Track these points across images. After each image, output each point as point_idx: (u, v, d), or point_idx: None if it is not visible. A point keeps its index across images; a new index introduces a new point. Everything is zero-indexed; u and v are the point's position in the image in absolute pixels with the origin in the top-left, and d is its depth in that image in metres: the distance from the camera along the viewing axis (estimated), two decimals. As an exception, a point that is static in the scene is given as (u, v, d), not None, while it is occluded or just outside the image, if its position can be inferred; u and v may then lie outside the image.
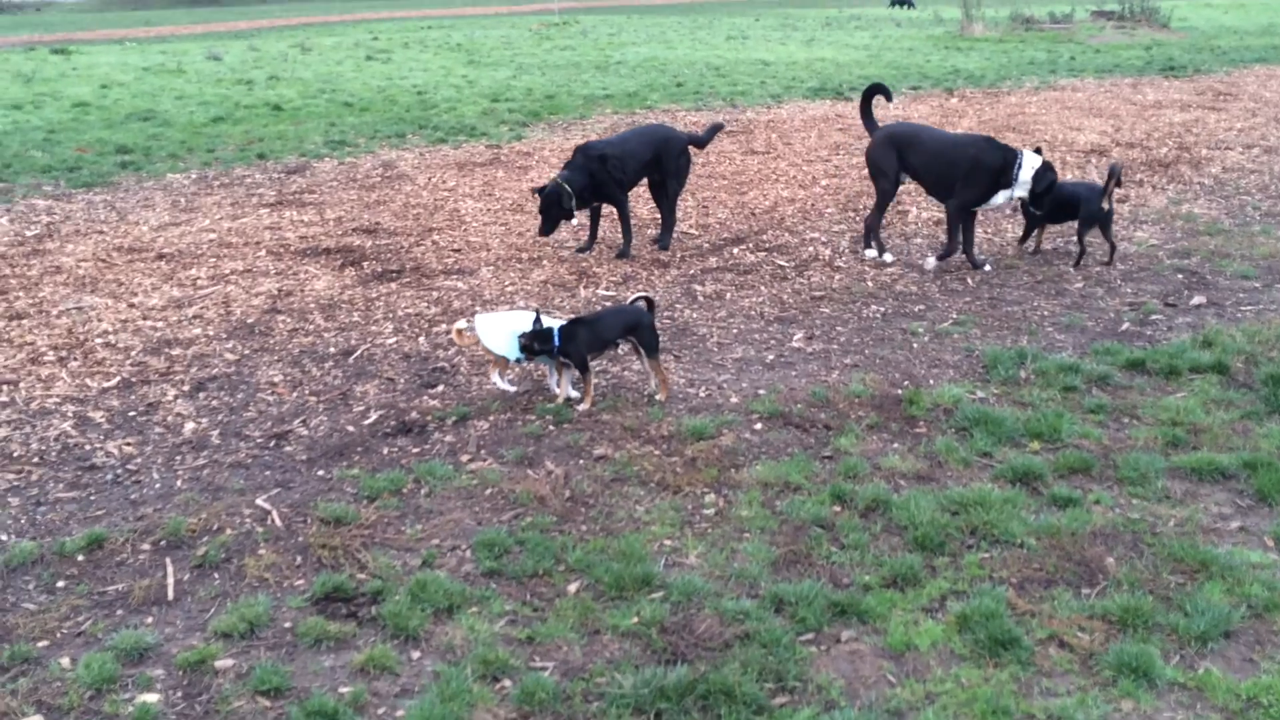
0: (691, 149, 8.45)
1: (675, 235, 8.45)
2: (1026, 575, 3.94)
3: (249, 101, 16.49)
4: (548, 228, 7.80)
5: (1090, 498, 4.47)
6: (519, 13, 48.15)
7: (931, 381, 5.73)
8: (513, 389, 5.58)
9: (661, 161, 8.16)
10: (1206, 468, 4.65)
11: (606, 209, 8.23)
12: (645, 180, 8.25)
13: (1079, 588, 3.87)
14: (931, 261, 7.76)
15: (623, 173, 7.93)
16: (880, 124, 8.02)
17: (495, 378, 5.58)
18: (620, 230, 8.15)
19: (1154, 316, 6.70)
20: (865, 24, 35.11)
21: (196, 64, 22.52)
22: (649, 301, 5.58)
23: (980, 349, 6.16)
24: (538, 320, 5.32)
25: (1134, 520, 4.27)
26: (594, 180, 7.80)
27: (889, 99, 8.50)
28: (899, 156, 7.68)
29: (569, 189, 7.66)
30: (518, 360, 5.46)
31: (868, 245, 8.07)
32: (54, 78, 19.80)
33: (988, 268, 7.67)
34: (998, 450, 4.91)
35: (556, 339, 5.33)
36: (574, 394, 5.52)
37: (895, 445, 5.02)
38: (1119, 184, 7.74)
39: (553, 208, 7.70)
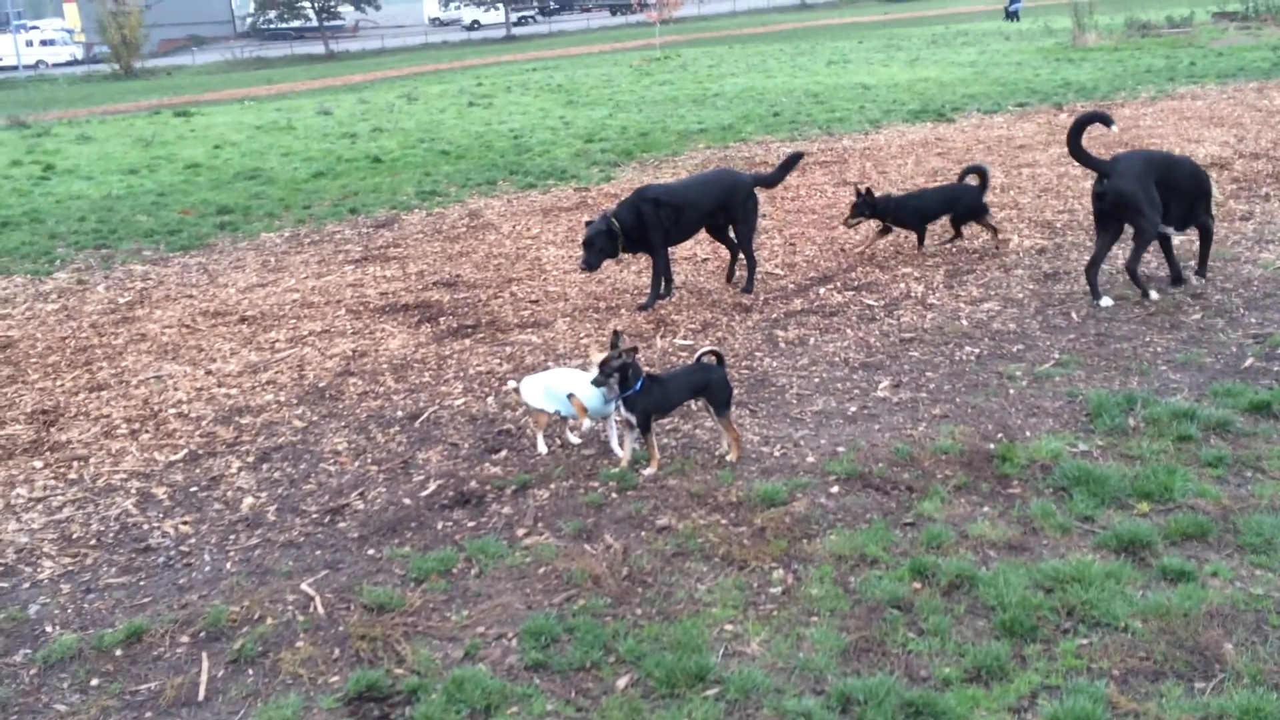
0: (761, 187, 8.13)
1: (759, 276, 8.11)
2: (1130, 666, 3.48)
3: (350, 155, 16.78)
4: (592, 262, 7.53)
5: (1206, 569, 3.97)
6: (622, 49, 48.49)
7: (1028, 433, 5.27)
8: (545, 449, 5.47)
9: (728, 209, 7.84)
10: (1344, 532, 4.10)
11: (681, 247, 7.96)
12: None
13: (1191, 681, 3.40)
14: (1196, 281, 7.40)
15: (673, 222, 7.61)
16: (1089, 152, 7.06)
17: (539, 440, 5.51)
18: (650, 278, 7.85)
19: (1282, 350, 6.08)
20: (972, 39, 34.16)
21: (307, 119, 23.13)
22: (718, 356, 5.27)
23: (1084, 393, 5.66)
24: (618, 340, 5.17)
25: (1257, 597, 3.77)
26: (641, 223, 7.50)
27: (1109, 125, 7.25)
28: (1158, 185, 6.95)
29: (617, 225, 7.42)
30: (556, 412, 5.39)
31: (1095, 295, 7.15)
32: (172, 140, 20.56)
33: (1155, 295, 7.16)
34: (1100, 513, 4.44)
35: (634, 388, 5.08)
36: (621, 453, 5.31)
37: (985, 509, 4.58)
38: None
39: (597, 240, 7.44)
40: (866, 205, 8.49)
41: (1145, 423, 5.24)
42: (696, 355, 5.32)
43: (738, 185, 7.93)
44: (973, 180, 8.69)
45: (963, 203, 8.59)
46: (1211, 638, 3.57)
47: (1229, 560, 4.04)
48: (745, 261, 8.03)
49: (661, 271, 7.80)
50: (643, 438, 5.18)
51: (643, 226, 7.53)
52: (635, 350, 5.20)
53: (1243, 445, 4.94)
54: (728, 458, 5.20)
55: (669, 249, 7.87)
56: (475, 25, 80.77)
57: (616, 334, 5.25)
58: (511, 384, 5.58)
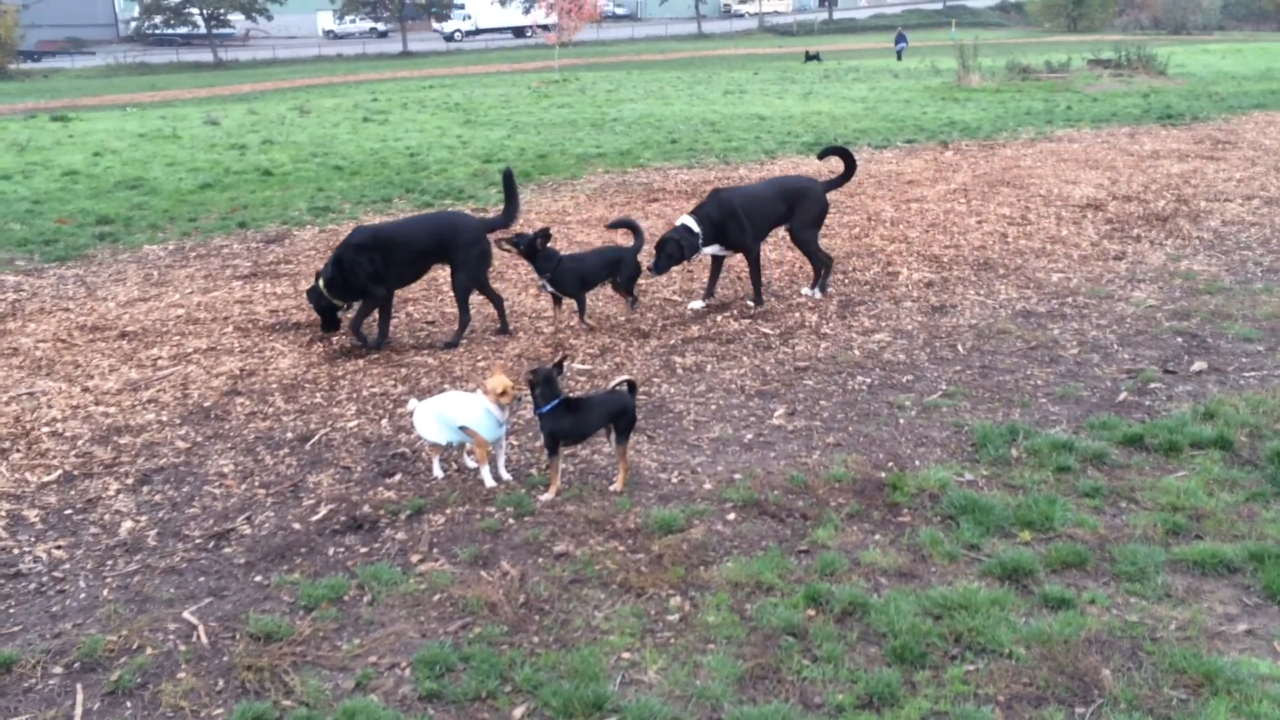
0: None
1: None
2: (1015, 692, 3.59)
3: (240, 167, 16.36)
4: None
5: (1085, 597, 4.12)
6: (520, 70, 48.46)
7: (917, 462, 5.41)
8: (440, 473, 5.42)
9: (447, 251, 7.48)
10: (1210, 560, 4.30)
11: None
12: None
13: (1072, 706, 3.51)
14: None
15: (384, 264, 7.35)
16: (814, 179, 7.90)
17: (434, 463, 5.46)
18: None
19: (1153, 385, 6.37)
20: (863, 76, 35.16)
21: (193, 129, 22.48)
22: (631, 385, 5.26)
23: (970, 424, 5.84)
24: (560, 367, 5.23)
25: (1132, 624, 3.92)
26: (343, 270, 7.30)
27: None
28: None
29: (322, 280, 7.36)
30: (448, 444, 5.36)
31: None
32: (48, 146, 19.75)
33: None
34: (985, 542, 4.57)
35: (548, 405, 5.06)
36: (506, 477, 5.32)
37: (876, 537, 4.68)
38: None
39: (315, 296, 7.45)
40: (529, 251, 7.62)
41: (1027, 453, 5.43)
42: (612, 385, 5.31)
43: (459, 228, 7.59)
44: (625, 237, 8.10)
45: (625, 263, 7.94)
46: (1090, 664, 3.70)
47: (1106, 588, 4.20)
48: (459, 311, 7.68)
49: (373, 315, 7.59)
50: (550, 462, 5.15)
51: (349, 273, 7.29)
52: (559, 367, 5.21)
53: (1118, 476, 5.16)
54: (612, 488, 5.18)
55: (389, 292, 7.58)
56: (456, 35, 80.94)
57: (564, 357, 5.46)
58: (411, 403, 5.49)
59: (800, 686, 3.67)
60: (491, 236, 7.65)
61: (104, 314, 8.37)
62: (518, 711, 3.59)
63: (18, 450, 5.83)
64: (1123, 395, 6.24)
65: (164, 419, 6.25)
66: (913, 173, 14.20)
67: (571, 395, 5.24)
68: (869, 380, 6.63)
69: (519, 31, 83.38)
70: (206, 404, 6.45)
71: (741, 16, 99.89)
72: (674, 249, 7.83)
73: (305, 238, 11.10)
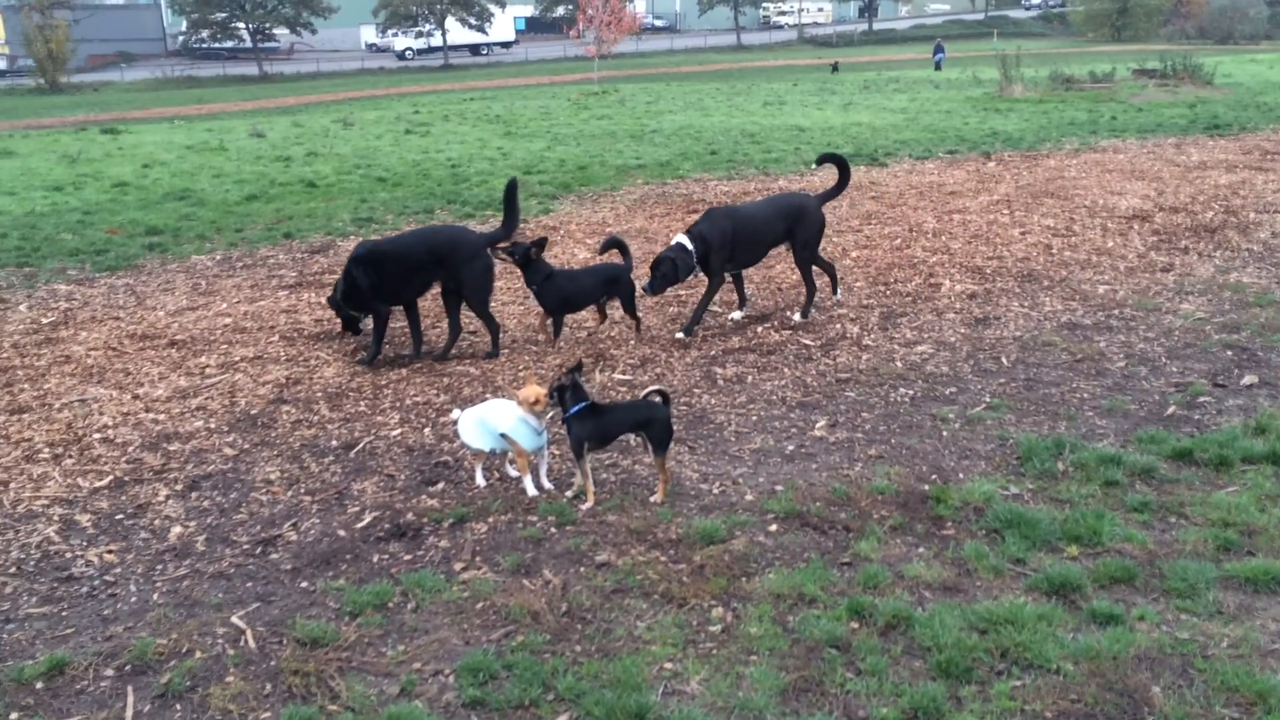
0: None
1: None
2: (1063, 708, 3.55)
3: (284, 179, 16.57)
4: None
5: (1134, 613, 4.07)
6: (560, 82, 48.75)
7: (961, 475, 5.36)
8: (483, 482, 5.45)
9: (446, 265, 7.38)
10: (1262, 577, 4.23)
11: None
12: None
13: (1121, 723, 3.47)
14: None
15: (389, 279, 7.35)
16: (809, 193, 7.60)
17: (477, 472, 5.48)
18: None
19: (1202, 398, 6.28)
20: (904, 86, 35.00)
21: (239, 141, 22.81)
22: (664, 396, 5.27)
23: (1014, 437, 5.79)
24: (577, 369, 5.26)
25: (1182, 641, 3.87)
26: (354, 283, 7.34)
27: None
28: None
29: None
30: (491, 451, 5.39)
31: None
32: (98, 158, 20.12)
33: None
34: (1032, 556, 4.53)
35: (574, 408, 5.13)
36: (548, 486, 5.37)
37: (920, 550, 4.65)
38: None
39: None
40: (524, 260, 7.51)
41: (1073, 467, 5.37)
42: (645, 393, 5.33)
43: (458, 242, 7.51)
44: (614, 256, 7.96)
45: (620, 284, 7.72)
46: (1140, 681, 3.65)
47: (1155, 604, 4.14)
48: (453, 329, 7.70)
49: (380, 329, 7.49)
50: (578, 465, 5.18)
51: (353, 286, 7.35)
52: (578, 370, 5.25)
53: (1167, 491, 5.09)
54: (653, 499, 5.19)
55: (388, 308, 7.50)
56: (408, 53, 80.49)
57: (578, 364, 5.38)
58: (455, 412, 5.54)
59: (844, 699, 3.65)
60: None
61: (153, 323, 8.51)
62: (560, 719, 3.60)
63: (70, 456, 5.93)
64: (1171, 409, 6.16)
65: (212, 426, 6.33)
66: (955, 184, 14.11)
67: (599, 401, 5.29)
68: (911, 392, 6.59)
69: (475, 49, 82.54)
70: (253, 412, 6.54)
71: (781, 28, 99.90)
72: (669, 269, 7.55)
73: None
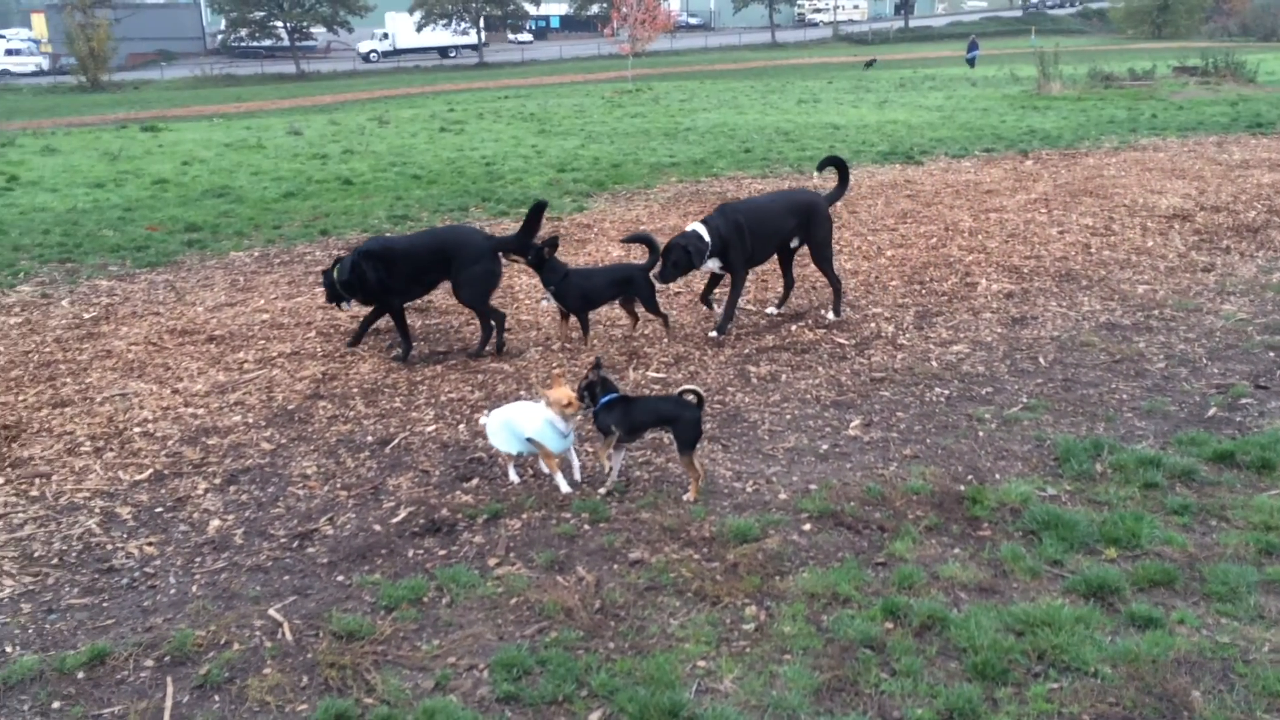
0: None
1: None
2: (1101, 712, 3.51)
3: (321, 176, 16.71)
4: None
5: (1174, 617, 4.02)
6: (594, 80, 48.80)
7: (998, 476, 5.32)
8: (517, 479, 5.45)
9: (450, 266, 7.40)
10: (1306, 582, 4.17)
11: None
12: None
13: (1161, 728, 3.43)
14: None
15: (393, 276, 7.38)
16: (815, 190, 7.49)
17: (510, 469, 5.48)
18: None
19: (1244, 400, 6.19)
20: (940, 84, 34.75)
21: (277, 139, 23.02)
22: (698, 397, 5.25)
23: (1052, 438, 5.73)
24: (598, 367, 5.30)
25: (1223, 645, 3.82)
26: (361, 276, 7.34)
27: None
28: None
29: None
30: (519, 454, 5.39)
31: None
32: (139, 155, 20.38)
33: None
34: (1069, 558, 4.48)
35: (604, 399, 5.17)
36: (578, 479, 5.37)
37: (956, 550, 4.62)
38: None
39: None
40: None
41: (1112, 469, 5.31)
42: (679, 391, 5.32)
43: (463, 244, 7.47)
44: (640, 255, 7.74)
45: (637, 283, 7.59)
46: (1180, 685, 3.61)
47: (1195, 608, 4.09)
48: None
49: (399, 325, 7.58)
50: (601, 443, 5.25)
51: (359, 278, 7.33)
52: (597, 367, 5.27)
53: (1207, 494, 5.02)
54: (685, 497, 5.19)
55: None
56: (372, 56, 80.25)
57: (598, 361, 5.39)
58: (483, 419, 5.56)
59: (878, 699, 3.64)
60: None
61: (193, 318, 8.61)
62: (594, 716, 3.61)
63: (111, 449, 6.02)
64: (1212, 410, 6.08)
65: (250, 421, 6.40)
66: (991, 182, 13.99)
67: (628, 394, 5.37)
68: (947, 392, 6.54)
69: (444, 52, 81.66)
70: (290, 407, 6.60)
71: (816, 25, 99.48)
72: (680, 256, 7.39)
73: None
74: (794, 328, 7.94)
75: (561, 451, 5.30)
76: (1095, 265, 9.43)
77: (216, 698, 3.75)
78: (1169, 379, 6.62)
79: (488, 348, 7.56)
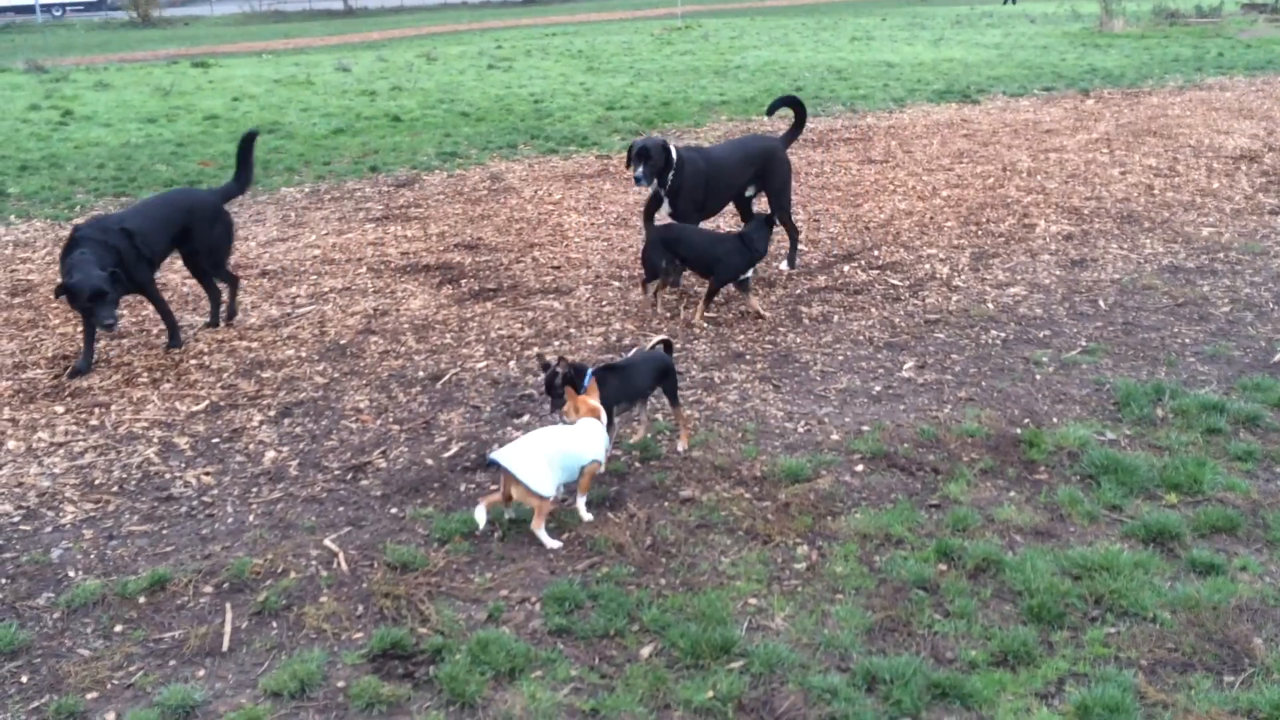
0: None
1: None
2: (1159, 657, 3.47)
3: (370, 113, 16.66)
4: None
5: (1235, 563, 3.95)
6: (643, 18, 48.08)
7: (1055, 420, 5.23)
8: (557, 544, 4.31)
9: (191, 232, 6.66)
10: (1375, 531, 4.07)
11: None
12: None
13: (1220, 674, 3.38)
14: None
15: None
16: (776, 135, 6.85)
17: (541, 533, 4.29)
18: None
19: (1313, 346, 6.03)
20: (997, 21, 33.82)
21: (326, 75, 22.95)
22: (667, 345, 5.14)
23: (1111, 382, 5.62)
24: (561, 360, 4.79)
25: (1287, 593, 3.74)
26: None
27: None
28: None
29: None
30: (561, 487, 4.41)
31: None
32: (190, 91, 20.42)
33: None
34: (1128, 503, 4.41)
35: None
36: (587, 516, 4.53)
37: (1011, 494, 4.56)
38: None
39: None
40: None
41: (1173, 414, 5.21)
42: (651, 344, 5.14)
43: (197, 206, 6.88)
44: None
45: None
46: (1241, 632, 3.55)
47: (1258, 555, 4.02)
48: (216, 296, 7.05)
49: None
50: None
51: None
52: (561, 360, 4.80)
53: (1272, 440, 4.91)
54: (679, 446, 5.05)
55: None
56: None
57: (541, 359, 5.08)
58: (491, 456, 4.36)
59: (931, 640, 3.62)
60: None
61: (245, 253, 8.66)
62: (645, 650, 3.62)
63: (168, 381, 6.09)
64: (1278, 356, 5.92)
65: (303, 355, 6.45)
66: (1051, 121, 13.64)
67: (611, 362, 5.18)
68: (1003, 335, 6.43)
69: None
70: (342, 342, 6.64)
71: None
72: (658, 155, 7.04)
73: (434, 182, 11.27)
74: (846, 268, 7.83)
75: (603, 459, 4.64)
76: (1158, 207, 9.19)
77: (274, 624, 3.81)
78: (1233, 323, 6.45)
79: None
